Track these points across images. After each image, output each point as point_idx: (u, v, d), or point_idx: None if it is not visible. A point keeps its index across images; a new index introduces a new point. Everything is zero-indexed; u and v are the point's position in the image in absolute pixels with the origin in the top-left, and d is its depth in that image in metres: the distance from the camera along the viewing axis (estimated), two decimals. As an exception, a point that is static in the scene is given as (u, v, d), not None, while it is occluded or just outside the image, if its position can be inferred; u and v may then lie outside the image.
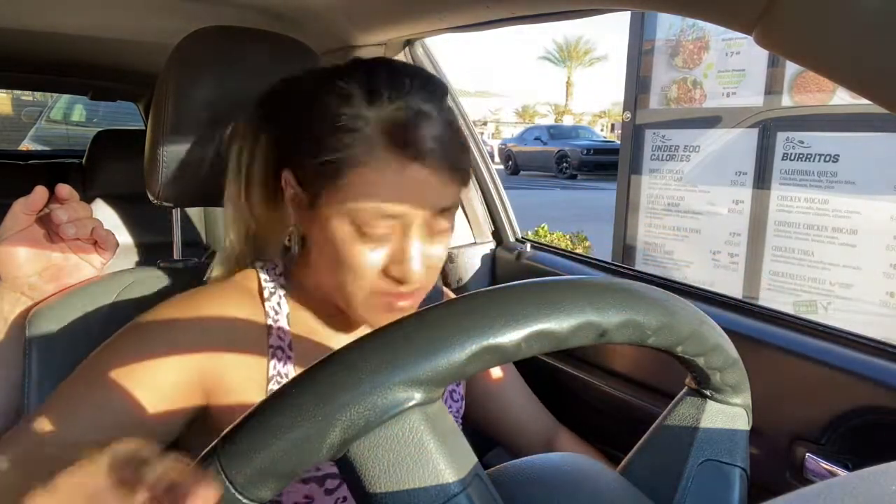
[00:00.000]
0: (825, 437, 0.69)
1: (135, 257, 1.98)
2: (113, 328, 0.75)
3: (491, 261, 1.21)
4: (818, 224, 2.61)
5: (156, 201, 0.81)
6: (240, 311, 0.66)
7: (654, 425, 0.46)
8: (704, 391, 0.44)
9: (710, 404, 0.44)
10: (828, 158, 2.57)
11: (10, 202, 0.74)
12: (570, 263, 1.10)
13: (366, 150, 0.58)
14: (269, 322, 0.67)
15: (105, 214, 1.99)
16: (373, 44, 1.13)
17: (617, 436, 0.94)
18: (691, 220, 3.05)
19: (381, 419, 0.30)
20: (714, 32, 2.91)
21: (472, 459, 0.32)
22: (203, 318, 0.64)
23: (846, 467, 0.68)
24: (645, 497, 0.41)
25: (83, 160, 2.16)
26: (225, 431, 0.30)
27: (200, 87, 0.76)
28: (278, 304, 0.69)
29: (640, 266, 3.20)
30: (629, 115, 3.23)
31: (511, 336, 0.32)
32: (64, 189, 0.75)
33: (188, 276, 0.84)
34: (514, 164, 17.15)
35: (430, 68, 1.18)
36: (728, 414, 0.44)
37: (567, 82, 38.62)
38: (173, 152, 0.77)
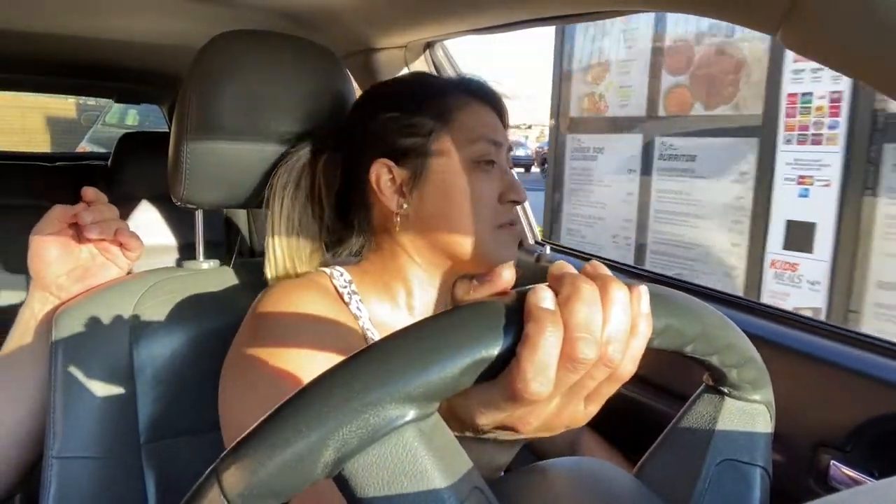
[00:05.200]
0: (850, 444, 0.68)
1: (164, 258, 2.00)
2: (136, 329, 0.76)
3: (510, 263, 1.20)
4: (683, 211, 3.37)
5: (179, 203, 0.82)
6: (341, 313, 0.70)
7: (669, 425, 0.45)
8: (722, 388, 0.42)
9: (729, 402, 0.42)
10: (688, 158, 3.34)
11: (37, 203, 0.75)
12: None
13: (458, 100, 0.74)
14: (361, 324, 0.71)
15: (131, 216, 2.02)
16: (393, 46, 1.14)
17: (631, 438, 0.93)
18: (599, 210, 3.86)
19: (374, 438, 0.29)
20: (614, 54, 3.71)
21: (472, 472, 0.32)
22: (319, 319, 0.67)
23: (872, 475, 0.67)
24: (661, 500, 0.41)
25: (108, 162, 2.20)
26: (226, 451, 0.30)
27: (223, 90, 0.77)
28: (358, 308, 0.71)
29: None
30: (554, 121, 4.06)
31: (505, 346, 0.32)
32: (89, 192, 0.76)
33: (212, 277, 0.85)
34: (550, 167, 17.00)
35: (449, 70, 1.18)
36: (747, 411, 0.42)
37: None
38: (196, 155, 0.77)
